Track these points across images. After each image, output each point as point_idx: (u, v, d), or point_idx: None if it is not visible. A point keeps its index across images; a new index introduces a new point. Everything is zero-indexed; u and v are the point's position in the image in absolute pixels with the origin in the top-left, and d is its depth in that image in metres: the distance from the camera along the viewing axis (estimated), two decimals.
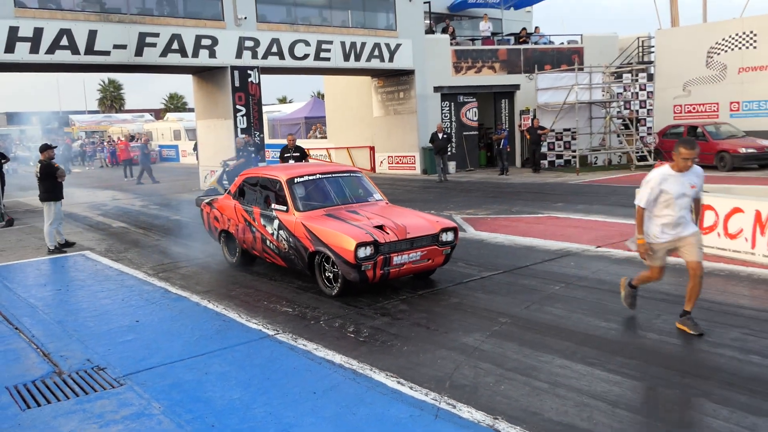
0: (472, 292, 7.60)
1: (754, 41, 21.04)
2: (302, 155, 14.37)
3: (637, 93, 22.61)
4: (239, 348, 6.00)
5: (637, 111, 22.49)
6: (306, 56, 20.50)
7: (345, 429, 4.37)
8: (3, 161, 14.81)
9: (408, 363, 5.44)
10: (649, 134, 22.10)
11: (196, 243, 11.43)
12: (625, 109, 22.35)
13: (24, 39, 15.52)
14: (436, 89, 23.42)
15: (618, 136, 22.13)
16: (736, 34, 21.40)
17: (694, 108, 21.81)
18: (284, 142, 15.15)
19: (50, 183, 11.09)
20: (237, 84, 19.23)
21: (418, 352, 5.69)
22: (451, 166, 22.58)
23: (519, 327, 6.25)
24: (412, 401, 4.72)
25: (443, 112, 23.68)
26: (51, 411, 4.84)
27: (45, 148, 11.31)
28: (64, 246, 11.48)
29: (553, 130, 21.88)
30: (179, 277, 9.03)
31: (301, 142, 31.14)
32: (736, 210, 8.46)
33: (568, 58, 23.99)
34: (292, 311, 7.13)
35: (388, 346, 5.89)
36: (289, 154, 14.18)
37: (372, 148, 25.69)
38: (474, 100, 24.24)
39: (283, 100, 63.38)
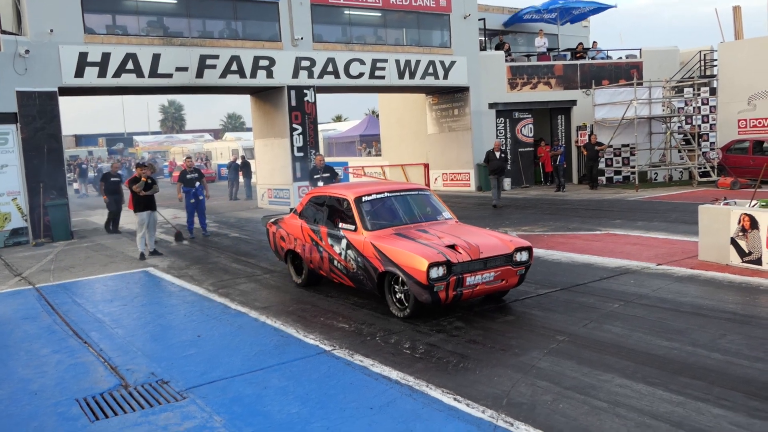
0: (529, 309, 7.53)
1: None
2: (332, 176, 13.60)
3: (699, 107, 22.05)
4: (297, 363, 6.09)
5: (699, 126, 21.93)
6: (361, 75, 20.75)
7: None
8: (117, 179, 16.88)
9: (464, 380, 5.43)
10: (712, 149, 21.49)
11: (253, 260, 11.70)
12: (687, 124, 21.82)
13: (92, 64, 16.22)
14: (491, 106, 23.36)
15: (679, 151, 21.62)
16: None
17: (759, 122, 21.07)
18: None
19: (134, 196, 12.53)
20: (293, 103, 19.59)
21: (474, 369, 5.67)
22: (507, 183, 22.33)
23: (577, 345, 6.16)
24: (469, 418, 4.70)
25: (498, 128, 23.57)
26: (118, 423, 5.01)
27: (137, 166, 13.03)
28: (152, 254, 12.66)
29: (611, 146, 21.51)
30: (238, 293, 9.23)
31: (356, 160, 31.69)
32: None
33: (626, 72, 23.62)
34: (348, 327, 7.20)
35: (444, 362, 5.89)
36: (318, 176, 13.45)
37: (426, 165, 25.70)
38: (529, 116, 24.07)
39: (338, 119, 64.12)
